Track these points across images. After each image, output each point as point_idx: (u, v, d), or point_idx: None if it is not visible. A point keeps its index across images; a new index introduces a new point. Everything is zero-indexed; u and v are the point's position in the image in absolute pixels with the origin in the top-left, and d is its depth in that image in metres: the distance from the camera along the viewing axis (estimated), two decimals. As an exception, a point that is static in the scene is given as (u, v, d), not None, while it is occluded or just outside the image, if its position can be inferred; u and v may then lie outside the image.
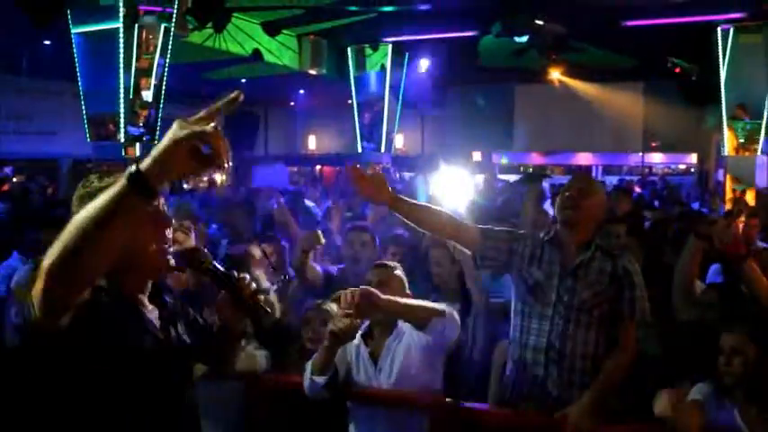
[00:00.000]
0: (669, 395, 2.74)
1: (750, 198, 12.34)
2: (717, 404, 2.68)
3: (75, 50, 10.97)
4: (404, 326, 3.01)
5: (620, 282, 2.99)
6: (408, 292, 3.15)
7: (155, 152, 1.47)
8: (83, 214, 1.44)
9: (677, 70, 14.30)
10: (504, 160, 22.52)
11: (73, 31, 10.84)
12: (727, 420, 2.63)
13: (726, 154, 13.32)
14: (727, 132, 13.10)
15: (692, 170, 20.54)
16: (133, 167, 1.45)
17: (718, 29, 12.76)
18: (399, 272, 3.18)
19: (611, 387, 2.89)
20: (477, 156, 21.80)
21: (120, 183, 1.44)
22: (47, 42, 12.56)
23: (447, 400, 2.96)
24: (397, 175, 18.73)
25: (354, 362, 3.08)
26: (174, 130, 1.48)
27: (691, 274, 3.49)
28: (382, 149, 17.36)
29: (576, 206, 3.06)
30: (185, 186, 10.56)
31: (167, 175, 1.48)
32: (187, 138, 1.46)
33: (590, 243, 3.10)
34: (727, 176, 13.19)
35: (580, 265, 3.03)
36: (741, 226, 3.26)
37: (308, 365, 2.93)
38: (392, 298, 2.78)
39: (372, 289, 2.72)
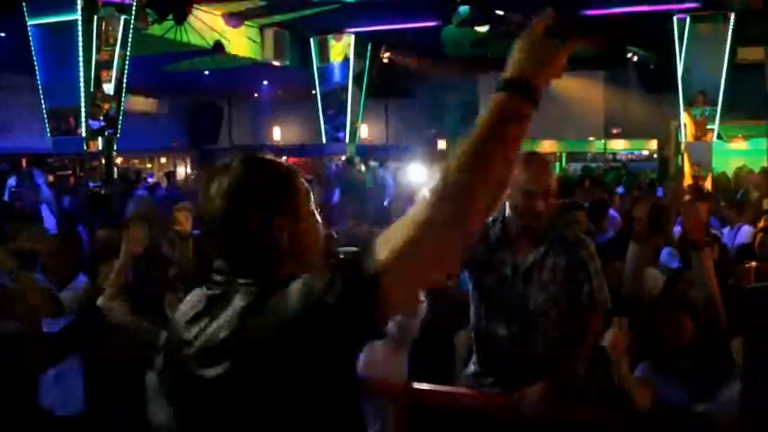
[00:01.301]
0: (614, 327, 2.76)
1: (708, 184, 12.69)
2: (661, 380, 2.80)
3: (31, 43, 10.79)
4: None
5: (577, 275, 2.80)
6: (423, 300, 3.09)
7: (522, 54, 1.30)
8: (476, 135, 1.24)
9: (635, 59, 14.56)
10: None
11: (29, 23, 10.65)
12: (670, 395, 2.75)
13: (684, 140, 13.64)
14: (685, 119, 13.40)
15: (654, 156, 20.90)
16: (507, 75, 1.28)
17: (675, 18, 13.03)
18: None
19: (571, 374, 2.80)
20: (442, 144, 21.92)
21: (498, 97, 1.27)
22: (1, 35, 12.32)
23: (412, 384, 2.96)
24: (362, 166, 18.76)
25: None
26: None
27: (639, 275, 3.49)
28: (347, 139, 17.37)
29: (541, 213, 2.75)
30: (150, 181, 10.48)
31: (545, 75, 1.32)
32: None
33: (541, 235, 2.83)
34: (686, 162, 13.51)
35: (533, 267, 2.80)
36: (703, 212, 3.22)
37: None
38: None
39: None
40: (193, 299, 1.49)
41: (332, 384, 1.35)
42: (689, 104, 13.30)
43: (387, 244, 1.22)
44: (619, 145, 22.22)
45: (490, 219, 2.86)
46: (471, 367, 2.99)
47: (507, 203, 2.82)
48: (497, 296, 2.84)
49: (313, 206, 1.48)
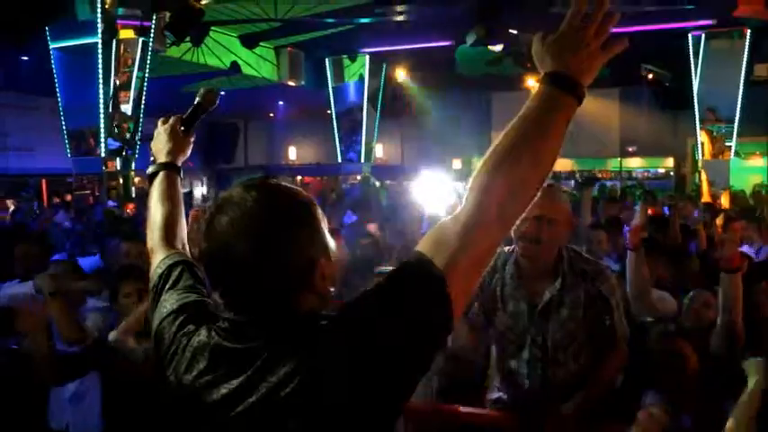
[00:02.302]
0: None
1: (725, 201, 12.59)
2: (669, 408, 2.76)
3: (53, 66, 10.98)
4: None
5: (597, 308, 2.68)
6: None
7: (558, 49, 1.32)
8: (521, 128, 1.26)
9: (650, 77, 14.56)
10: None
11: (51, 46, 10.84)
12: (679, 424, 2.70)
13: (701, 157, 13.59)
14: (701, 136, 13.36)
15: (671, 174, 20.80)
16: (551, 70, 1.31)
17: (690, 35, 13.04)
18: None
19: (597, 398, 2.74)
20: (457, 164, 21.93)
21: (543, 93, 1.29)
22: (24, 58, 12.53)
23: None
24: (378, 184, 18.80)
25: None
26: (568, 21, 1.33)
27: (642, 282, 3.43)
28: (362, 159, 17.44)
29: (539, 240, 2.60)
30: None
31: (588, 69, 1.33)
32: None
33: (557, 268, 2.69)
34: (703, 180, 13.44)
35: (550, 303, 2.68)
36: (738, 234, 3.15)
37: None
38: None
39: None
40: (196, 350, 1.30)
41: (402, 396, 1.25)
42: (704, 122, 13.27)
43: (440, 246, 1.21)
44: (635, 163, 22.14)
45: (502, 256, 2.77)
46: (495, 392, 2.94)
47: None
48: (514, 333, 2.74)
49: (329, 235, 1.33)
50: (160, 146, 1.90)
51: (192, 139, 1.97)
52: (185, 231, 1.77)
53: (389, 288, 1.21)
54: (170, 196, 1.79)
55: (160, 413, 1.43)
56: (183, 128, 1.92)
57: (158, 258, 1.61)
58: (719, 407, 2.58)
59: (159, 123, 1.94)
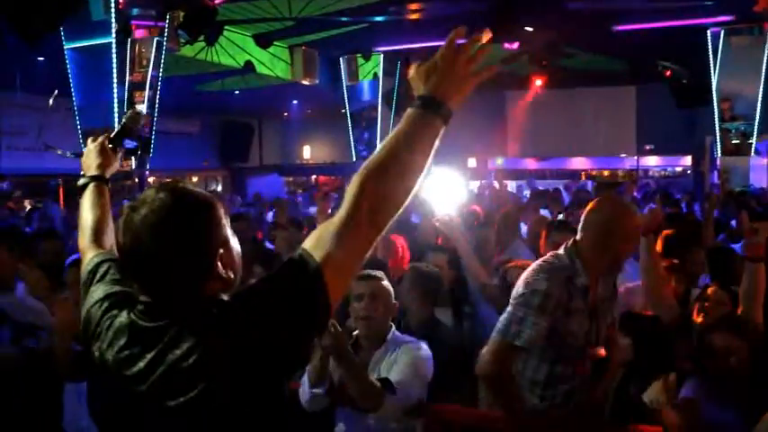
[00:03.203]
0: (662, 382, 2.73)
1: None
2: (711, 401, 2.70)
3: (68, 66, 11.01)
4: (395, 340, 2.99)
5: (613, 301, 2.92)
6: (395, 302, 3.07)
7: (428, 74, 1.50)
8: (392, 144, 1.45)
9: (668, 73, 14.40)
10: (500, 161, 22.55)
11: (66, 46, 10.88)
12: (722, 417, 2.64)
13: (719, 155, 13.42)
14: (719, 134, 13.19)
15: (688, 172, 20.60)
16: (421, 93, 1.49)
17: (709, 32, 12.86)
18: (386, 282, 3.07)
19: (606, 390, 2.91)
20: (472, 162, 21.86)
21: (412, 113, 1.48)
22: (40, 59, 12.59)
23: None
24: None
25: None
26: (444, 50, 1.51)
27: (657, 277, 3.39)
28: (377, 158, 17.41)
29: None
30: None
31: (456, 93, 1.51)
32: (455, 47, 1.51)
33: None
34: (723, 178, 13.28)
35: (602, 302, 2.79)
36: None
37: (305, 379, 2.93)
38: (350, 359, 2.71)
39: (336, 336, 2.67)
40: (117, 329, 1.51)
41: (285, 379, 1.49)
42: (723, 119, 13.10)
43: (319, 244, 1.42)
44: (652, 161, 21.95)
45: (576, 268, 2.72)
46: (536, 401, 2.82)
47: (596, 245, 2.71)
48: (574, 339, 2.73)
49: (230, 229, 1.54)
50: (90, 161, 2.21)
51: (120, 155, 2.28)
52: (113, 234, 1.90)
53: (274, 277, 1.45)
54: (99, 204, 2.09)
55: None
56: (110, 145, 2.23)
57: (88, 257, 1.87)
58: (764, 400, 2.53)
59: (89, 141, 2.26)
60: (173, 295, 1.45)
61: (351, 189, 1.42)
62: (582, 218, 2.80)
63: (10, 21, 6.83)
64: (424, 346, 2.99)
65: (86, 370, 3.22)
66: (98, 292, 1.68)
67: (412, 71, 1.51)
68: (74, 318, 3.12)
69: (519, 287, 2.68)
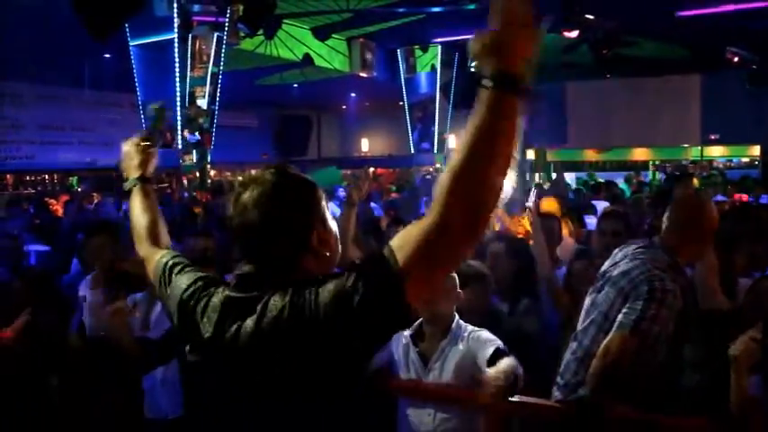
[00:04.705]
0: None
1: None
2: None
3: (133, 62, 11.32)
4: (462, 332, 2.95)
5: None
6: (459, 291, 3.03)
7: (495, 46, 1.32)
8: (474, 136, 1.30)
9: (736, 60, 13.92)
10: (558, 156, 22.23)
11: (131, 43, 11.19)
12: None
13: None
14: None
15: (756, 163, 19.92)
16: (492, 70, 1.30)
17: (778, 14, 12.39)
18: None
19: None
20: (530, 153, 21.61)
21: (488, 97, 1.30)
22: (107, 56, 12.96)
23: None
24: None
25: (403, 361, 3.02)
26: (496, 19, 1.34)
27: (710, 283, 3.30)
28: (435, 150, 17.37)
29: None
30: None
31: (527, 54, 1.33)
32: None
33: None
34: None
35: None
36: None
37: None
38: None
39: None
40: (215, 304, 1.59)
41: (353, 372, 1.49)
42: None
43: (404, 245, 1.35)
44: (717, 152, 21.28)
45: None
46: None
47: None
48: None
49: (329, 213, 1.64)
50: (129, 162, 2.24)
51: (156, 150, 2.30)
52: (165, 230, 2.15)
53: (354, 273, 1.41)
54: (148, 206, 2.16)
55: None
56: (145, 143, 2.26)
57: (158, 255, 1.96)
58: None
59: (123, 145, 2.28)
60: (272, 265, 1.55)
61: (439, 192, 1.31)
62: (666, 214, 2.82)
63: (78, 16, 7.05)
64: (486, 332, 2.98)
65: (160, 358, 3.32)
66: (183, 280, 1.76)
67: (475, 45, 1.35)
68: (126, 322, 3.20)
69: (641, 283, 2.62)
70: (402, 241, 1.36)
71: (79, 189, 15.44)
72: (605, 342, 2.59)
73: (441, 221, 1.30)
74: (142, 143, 2.27)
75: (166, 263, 1.87)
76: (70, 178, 17.77)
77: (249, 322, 1.49)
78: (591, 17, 10.64)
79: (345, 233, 4.00)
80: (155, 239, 2.07)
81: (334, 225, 1.65)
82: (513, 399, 2.73)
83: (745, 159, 21.29)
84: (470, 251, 1.43)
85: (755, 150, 19.62)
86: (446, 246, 1.33)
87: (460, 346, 2.92)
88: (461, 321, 3.02)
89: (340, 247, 1.68)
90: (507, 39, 1.32)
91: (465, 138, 1.31)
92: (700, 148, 20.66)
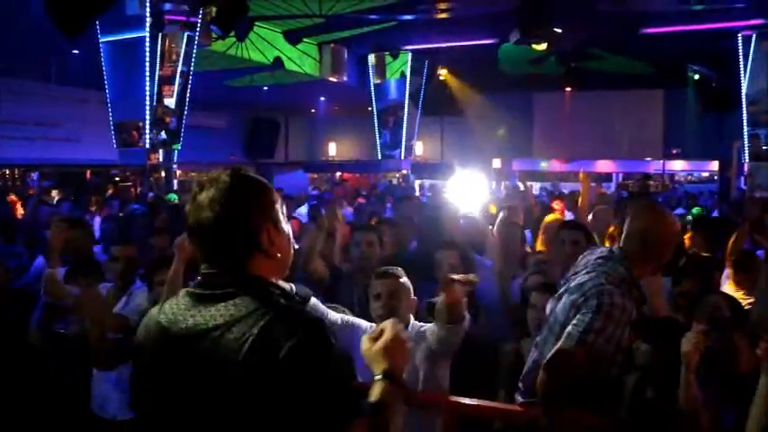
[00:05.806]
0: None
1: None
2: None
3: (102, 59, 11.21)
4: (416, 330, 3.02)
5: None
6: (414, 297, 3.11)
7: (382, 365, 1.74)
8: None
9: (696, 77, 14.29)
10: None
11: (101, 40, 11.07)
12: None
13: (747, 161, 13.30)
14: (747, 139, 13.07)
15: (715, 178, 20.42)
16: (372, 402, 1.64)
17: (740, 35, 12.76)
18: (405, 278, 3.10)
19: None
20: (496, 163, 21.86)
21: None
22: (75, 51, 12.81)
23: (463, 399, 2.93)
24: (417, 183, 18.80)
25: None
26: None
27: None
28: (402, 156, 17.47)
29: None
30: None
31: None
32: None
33: None
34: (750, 183, 13.16)
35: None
36: None
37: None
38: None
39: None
40: (180, 302, 1.65)
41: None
42: (752, 123, 12.98)
43: None
44: (677, 166, 21.77)
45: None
46: None
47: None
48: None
49: (284, 216, 1.71)
50: None
51: None
52: None
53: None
54: None
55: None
56: None
57: None
58: None
59: None
60: (225, 264, 1.61)
61: None
62: (625, 227, 2.82)
63: (49, 14, 6.99)
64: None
65: (121, 357, 3.33)
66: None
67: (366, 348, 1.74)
68: (103, 310, 3.21)
69: (591, 296, 2.65)
70: None
71: (40, 185, 15.23)
72: (551, 354, 2.61)
73: None
74: None
75: None
76: (32, 174, 17.49)
77: (207, 312, 1.55)
78: (558, 31, 10.83)
79: (311, 249, 4.24)
80: None
81: (287, 228, 1.71)
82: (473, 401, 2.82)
83: (705, 174, 21.81)
84: None
85: (714, 165, 20.12)
86: None
87: (419, 346, 2.97)
88: (416, 322, 3.09)
89: (292, 250, 1.74)
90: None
91: None
92: (661, 161, 21.12)
